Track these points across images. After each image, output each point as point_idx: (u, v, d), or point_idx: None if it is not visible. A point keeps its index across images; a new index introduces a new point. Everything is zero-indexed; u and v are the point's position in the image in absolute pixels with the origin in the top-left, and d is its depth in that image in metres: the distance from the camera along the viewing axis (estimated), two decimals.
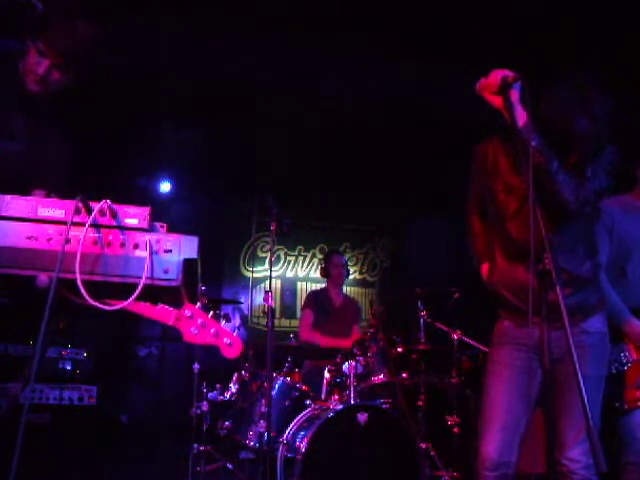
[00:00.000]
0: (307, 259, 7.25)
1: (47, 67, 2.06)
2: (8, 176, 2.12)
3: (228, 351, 1.51)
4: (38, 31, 2.02)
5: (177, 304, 1.51)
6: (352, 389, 3.66)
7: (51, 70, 2.07)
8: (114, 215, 1.44)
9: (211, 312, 1.52)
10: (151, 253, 1.41)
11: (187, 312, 1.50)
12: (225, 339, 1.50)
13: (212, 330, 1.50)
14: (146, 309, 1.49)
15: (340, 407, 3.50)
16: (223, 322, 1.54)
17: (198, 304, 1.52)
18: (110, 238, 1.42)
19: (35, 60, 2.06)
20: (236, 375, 4.14)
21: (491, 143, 2.39)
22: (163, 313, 1.50)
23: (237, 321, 6.70)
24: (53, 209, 1.43)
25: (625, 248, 2.83)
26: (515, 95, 2.04)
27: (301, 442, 3.36)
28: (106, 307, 1.39)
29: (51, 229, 1.41)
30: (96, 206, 1.43)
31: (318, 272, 6.76)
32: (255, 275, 6.93)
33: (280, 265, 7.09)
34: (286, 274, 7.14)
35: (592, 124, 2.08)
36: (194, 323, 1.50)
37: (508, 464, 2.19)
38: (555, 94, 2.16)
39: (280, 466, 3.43)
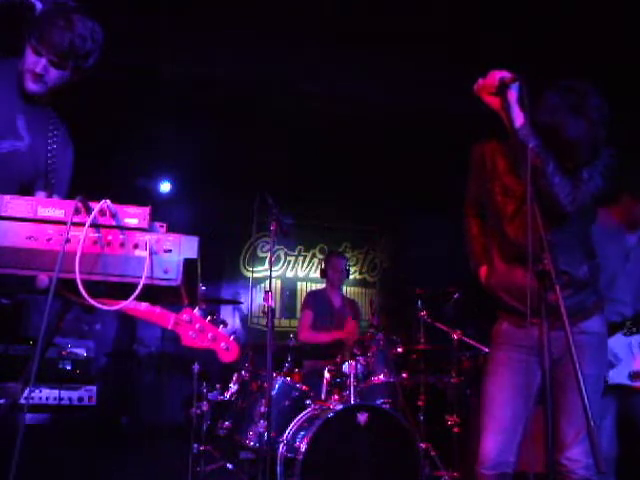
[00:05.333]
0: (307, 259, 7.24)
1: (44, 65, 2.04)
2: (19, 173, 2.13)
3: (225, 355, 1.53)
4: (35, 29, 2.01)
5: (177, 304, 1.51)
6: (352, 389, 3.66)
7: (48, 68, 2.06)
8: (114, 215, 1.44)
9: (209, 317, 1.54)
10: (151, 253, 1.41)
11: (186, 316, 1.52)
12: (222, 344, 1.52)
13: (210, 334, 1.52)
14: (146, 313, 1.50)
15: (340, 407, 3.50)
16: (221, 327, 1.55)
17: (197, 309, 1.53)
18: (110, 238, 1.42)
19: (32, 59, 2.05)
20: (236, 375, 4.14)
21: (489, 144, 2.39)
22: (162, 317, 1.51)
23: (237, 322, 6.70)
24: (53, 209, 1.43)
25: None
26: (513, 96, 2.04)
27: (301, 442, 3.36)
28: (106, 307, 1.39)
29: (51, 229, 1.41)
30: (96, 206, 1.43)
31: (318, 272, 6.77)
32: (255, 275, 6.92)
33: (280, 265, 7.09)
34: (286, 274, 7.13)
35: (588, 127, 2.08)
36: (192, 327, 1.51)
37: (507, 463, 2.20)
38: (551, 97, 2.15)
39: (280, 466, 3.44)
